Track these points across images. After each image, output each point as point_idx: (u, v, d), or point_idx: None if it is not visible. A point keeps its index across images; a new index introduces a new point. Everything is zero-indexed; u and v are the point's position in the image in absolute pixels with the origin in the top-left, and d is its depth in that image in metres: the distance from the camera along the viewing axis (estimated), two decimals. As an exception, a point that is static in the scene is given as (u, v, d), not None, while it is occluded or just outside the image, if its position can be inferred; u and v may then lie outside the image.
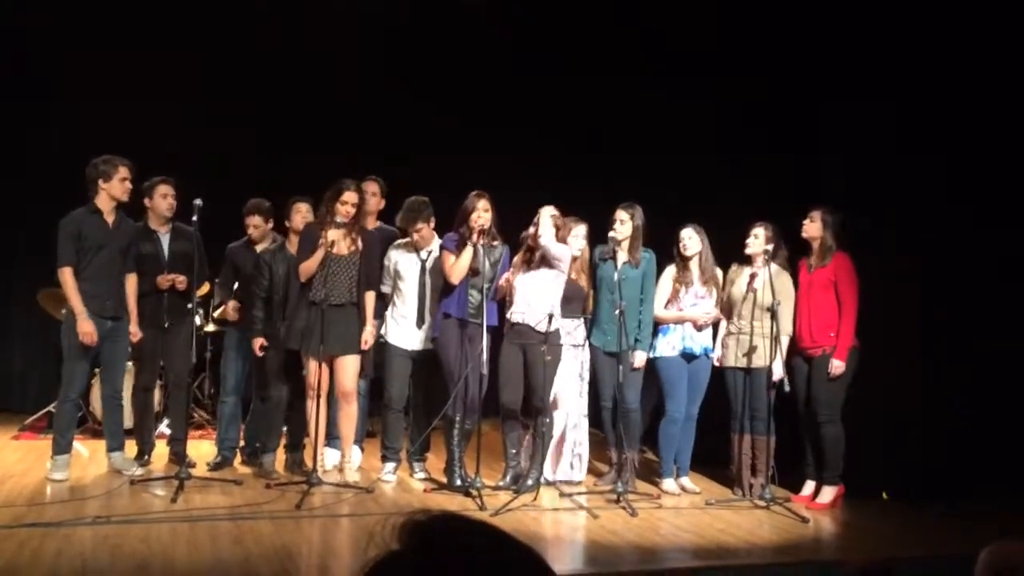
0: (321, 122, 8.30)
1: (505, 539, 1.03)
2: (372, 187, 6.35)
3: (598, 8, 8.00)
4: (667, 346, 6.02)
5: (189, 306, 5.72)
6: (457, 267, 5.73)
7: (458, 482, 5.74)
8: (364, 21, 8.22)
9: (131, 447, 6.09)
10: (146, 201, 6.03)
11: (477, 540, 1.02)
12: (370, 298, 5.88)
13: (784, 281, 5.91)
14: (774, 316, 5.64)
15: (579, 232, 6.05)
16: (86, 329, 5.54)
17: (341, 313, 5.74)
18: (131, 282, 5.89)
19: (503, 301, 5.92)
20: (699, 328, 6.01)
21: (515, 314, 5.80)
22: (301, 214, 6.18)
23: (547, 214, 5.73)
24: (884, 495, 6.00)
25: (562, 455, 6.10)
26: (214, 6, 7.89)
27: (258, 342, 5.98)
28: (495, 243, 5.87)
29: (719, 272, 6.12)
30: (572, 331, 6.00)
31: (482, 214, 5.73)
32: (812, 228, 5.90)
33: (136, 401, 6.16)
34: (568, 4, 8.14)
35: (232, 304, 6.31)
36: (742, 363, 5.93)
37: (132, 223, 5.95)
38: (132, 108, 7.60)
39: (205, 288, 6.95)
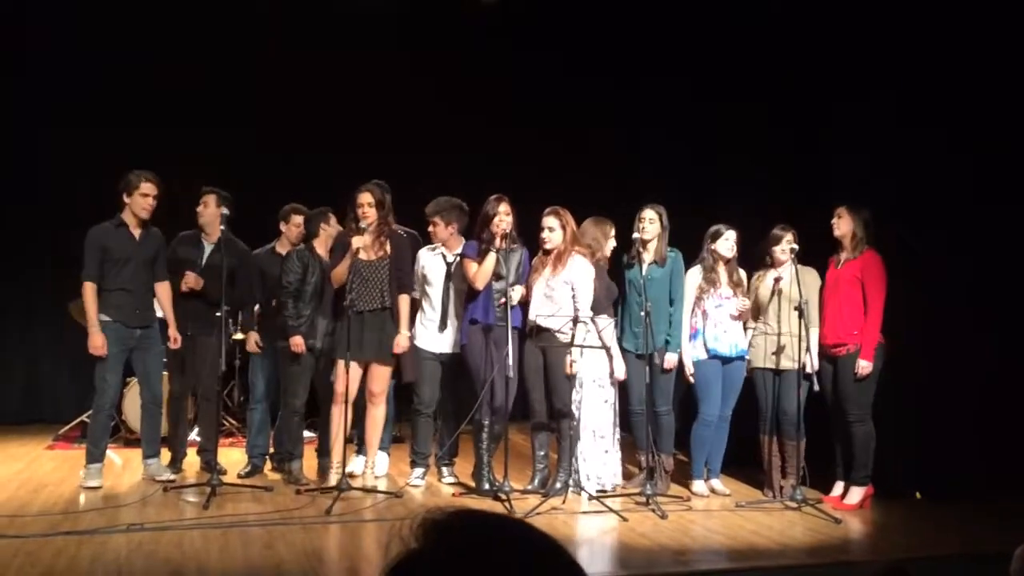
0: (334, 125, 8.32)
1: (526, 532, 1.03)
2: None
3: (610, 9, 8.01)
4: (699, 349, 5.98)
5: (218, 314, 5.73)
6: (481, 272, 5.74)
7: (486, 486, 5.75)
8: (376, 21, 8.25)
9: (164, 454, 6.15)
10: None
11: (496, 535, 1.02)
12: (404, 301, 5.90)
13: (811, 277, 5.87)
14: (802, 315, 5.60)
15: (610, 233, 6.08)
16: (96, 343, 5.64)
17: (375, 318, 5.79)
18: (164, 289, 5.95)
19: (526, 303, 5.91)
20: (739, 319, 5.96)
21: (536, 317, 5.80)
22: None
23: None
24: (917, 495, 5.93)
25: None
26: (226, 8, 7.95)
27: (297, 341, 5.93)
28: (515, 246, 5.88)
29: (743, 273, 6.10)
30: (603, 328, 5.93)
31: (503, 218, 5.75)
32: (842, 224, 5.81)
33: (169, 408, 6.21)
34: (580, 4, 8.15)
35: (254, 338, 6.32)
36: (771, 364, 5.89)
37: (158, 234, 6.00)
38: (157, 117, 7.72)
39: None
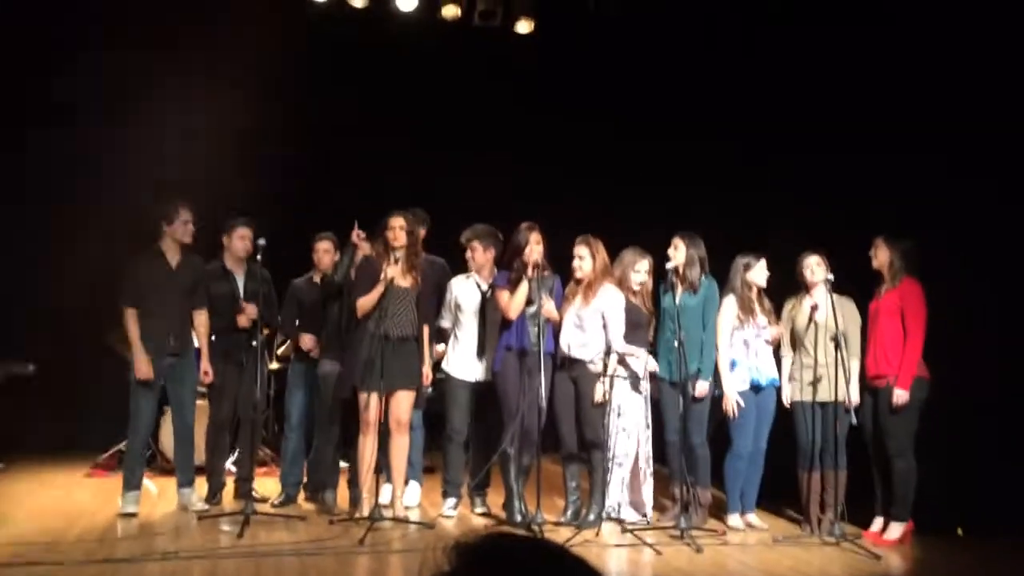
0: (372, 156, 8.42)
1: (559, 556, 1.03)
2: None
3: (656, 39, 8.05)
4: (736, 380, 5.91)
5: (253, 343, 5.80)
6: (514, 303, 5.74)
7: (518, 517, 5.71)
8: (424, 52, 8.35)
9: (201, 484, 6.17)
10: (224, 240, 6.17)
11: (528, 558, 1.02)
12: (427, 331, 5.93)
13: (849, 308, 5.81)
14: (839, 346, 5.53)
15: (641, 267, 6.03)
16: (141, 367, 5.71)
17: (404, 346, 5.77)
18: (201, 318, 6.01)
19: (558, 330, 5.89)
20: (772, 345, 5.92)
21: (567, 347, 5.78)
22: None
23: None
24: (959, 531, 5.80)
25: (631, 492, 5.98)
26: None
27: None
28: (546, 273, 5.86)
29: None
30: (636, 359, 5.89)
31: (535, 247, 5.74)
32: (880, 255, 5.76)
33: (209, 438, 6.21)
34: (624, 37, 8.21)
35: (308, 337, 6.33)
36: (810, 395, 5.81)
37: (198, 262, 6.08)
38: (198, 145, 7.83)
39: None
